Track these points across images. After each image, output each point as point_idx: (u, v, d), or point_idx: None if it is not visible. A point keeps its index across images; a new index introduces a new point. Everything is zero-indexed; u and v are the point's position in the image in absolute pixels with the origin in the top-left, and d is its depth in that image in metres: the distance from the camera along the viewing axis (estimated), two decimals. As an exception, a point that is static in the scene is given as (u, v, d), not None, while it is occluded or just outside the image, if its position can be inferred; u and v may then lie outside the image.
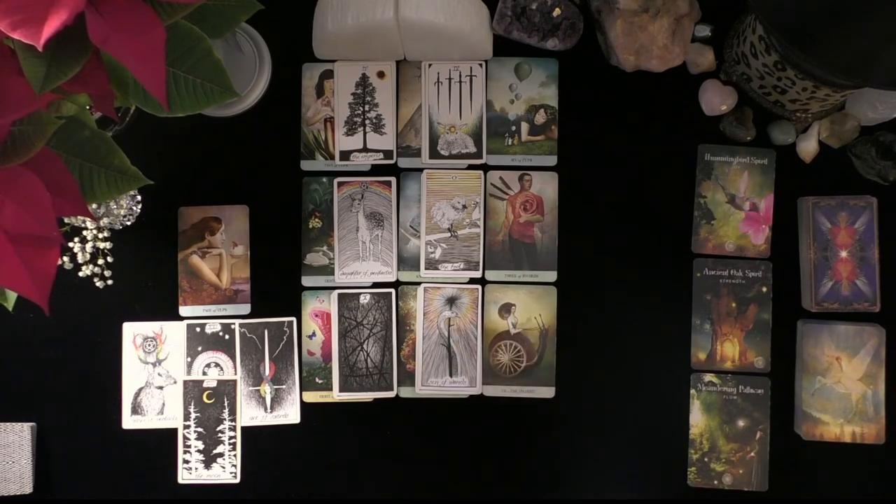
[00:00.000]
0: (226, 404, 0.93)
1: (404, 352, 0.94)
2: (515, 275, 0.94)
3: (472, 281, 0.94)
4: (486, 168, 0.95)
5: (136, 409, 0.93)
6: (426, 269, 0.94)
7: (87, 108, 0.72)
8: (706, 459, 0.92)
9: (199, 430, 0.93)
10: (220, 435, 0.93)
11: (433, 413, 0.94)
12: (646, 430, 0.93)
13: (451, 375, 0.93)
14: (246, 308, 0.94)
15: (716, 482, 0.91)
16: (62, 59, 0.57)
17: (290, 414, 0.94)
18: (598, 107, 0.95)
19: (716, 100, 0.93)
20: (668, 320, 0.93)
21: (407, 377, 0.94)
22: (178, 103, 0.68)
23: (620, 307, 0.94)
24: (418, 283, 0.94)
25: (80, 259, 0.91)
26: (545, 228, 0.94)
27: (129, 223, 0.92)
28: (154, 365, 0.94)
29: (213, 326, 0.94)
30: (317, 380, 0.94)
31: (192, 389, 0.93)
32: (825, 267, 0.91)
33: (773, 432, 0.92)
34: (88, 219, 0.89)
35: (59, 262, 0.91)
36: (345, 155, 0.95)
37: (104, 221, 0.90)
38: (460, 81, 0.95)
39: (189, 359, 0.93)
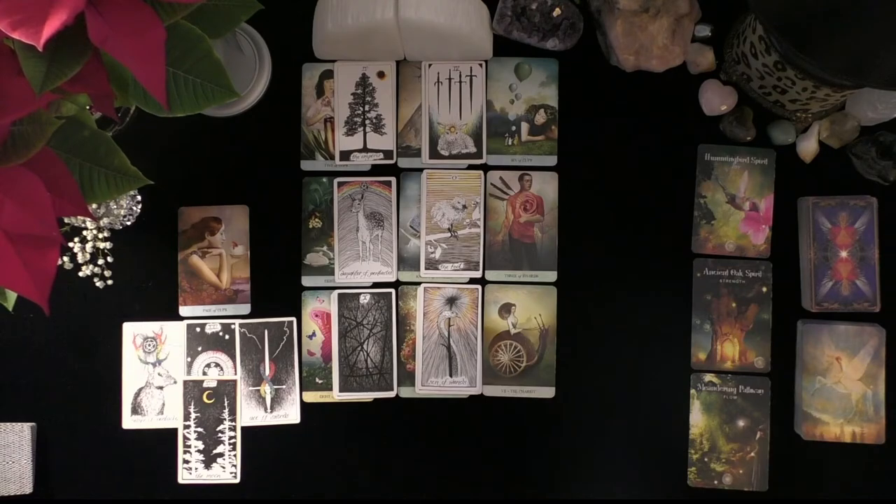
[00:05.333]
0: (226, 404, 0.93)
1: (404, 352, 0.94)
2: (515, 275, 0.94)
3: (472, 281, 0.94)
4: (486, 168, 0.95)
5: (136, 409, 0.93)
6: (426, 269, 0.94)
7: (87, 108, 0.72)
8: (706, 459, 0.92)
9: (199, 430, 0.93)
10: (220, 435, 0.93)
11: (433, 413, 0.94)
12: (646, 431, 0.93)
13: (451, 375, 0.93)
14: (246, 308, 0.94)
15: (716, 482, 0.91)
16: (62, 59, 0.57)
17: (290, 414, 0.94)
18: (598, 107, 0.95)
19: (716, 100, 0.93)
20: (668, 320, 0.93)
21: (407, 377, 0.94)
22: (178, 103, 0.68)
23: (620, 307, 0.94)
24: (418, 283, 0.94)
25: (80, 259, 0.91)
26: (545, 228, 0.94)
27: (129, 223, 0.92)
28: (154, 365, 0.94)
29: (213, 326, 0.94)
30: (317, 380, 0.94)
31: (192, 389, 0.93)
32: (825, 267, 0.91)
33: (773, 432, 0.92)
34: (88, 219, 0.89)
35: (59, 262, 0.91)
36: (345, 155, 0.95)
37: (104, 221, 0.90)
38: (460, 81, 0.95)
39: (189, 359, 0.93)
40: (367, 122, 0.95)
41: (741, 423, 0.92)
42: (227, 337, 0.94)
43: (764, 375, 0.92)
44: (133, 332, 0.94)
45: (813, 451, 0.92)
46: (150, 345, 0.94)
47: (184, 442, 0.93)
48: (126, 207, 0.90)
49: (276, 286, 0.94)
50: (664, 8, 0.90)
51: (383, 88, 0.95)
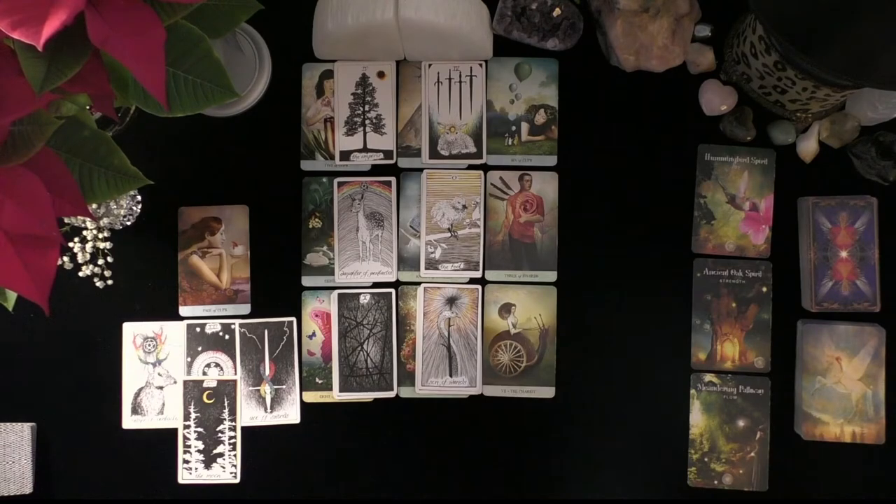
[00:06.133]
0: (226, 404, 0.93)
1: (404, 352, 0.94)
2: (515, 275, 0.94)
3: (472, 281, 0.94)
4: (486, 168, 0.95)
5: (136, 409, 0.93)
6: (426, 269, 0.94)
7: (87, 108, 0.72)
8: (706, 459, 0.92)
9: (199, 430, 0.93)
10: (220, 435, 0.93)
11: (433, 413, 0.94)
12: (646, 430, 0.93)
13: (451, 375, 0.93)
14: (246, 308, 0.94)
15: (716, 482, 0.91)
16: (62, 59, 0.57)
17: (290, 414, 0.94)
18: (598, 107, 0.95)
19: (716, 100, 0.93)
20: (668, 320, 0.93)
21: (407, 377, 0.94)
22: (178, 103, 0.68)
23: (620, 307, 0.94)
24: (418, 283, 0.94)
25: (80, 259, 0.91)
26: (545, 228, 0.94)
27: (129, 223, 0.92)
28: (154, 365, 0.94)
29: (213, 326, 0.94)
30: (317, 380, 0.94)
31: (192, 389, 0.93)
32: (825, 267, 0.91)
33: (773, 432, 0.92)
34: (88, 219, 0.89)
35: (59, 262, 0.91)
36: (345, 155, 0.95)
37: (104, 221, 0.90)
38: (460, 81, 0.95)
39: (189, 359, 0.93)
40: (367, 122, 0.95)
41: (741, 423, 0.92)
42: (227, 337, 0.94)
43: (764, 375, 0.92)
44: (133, 332, 0.94)
45: (813, 451, 0.92)
46: (150, 345, 0.94)
47: (184, 442, 0.93)
48: (126, 207, 0.90)
49: (276, 286, 0.94)
50: (664, 8, 0.90)
51: (383, 88, 0.95)
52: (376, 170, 0.95)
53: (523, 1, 0.92)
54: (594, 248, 0.94)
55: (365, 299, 0.94)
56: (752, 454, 0.91)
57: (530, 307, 0.93)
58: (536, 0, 0.92)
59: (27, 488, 0.91)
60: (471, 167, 0.95)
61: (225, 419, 0.93)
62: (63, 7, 0.53)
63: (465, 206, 0.94)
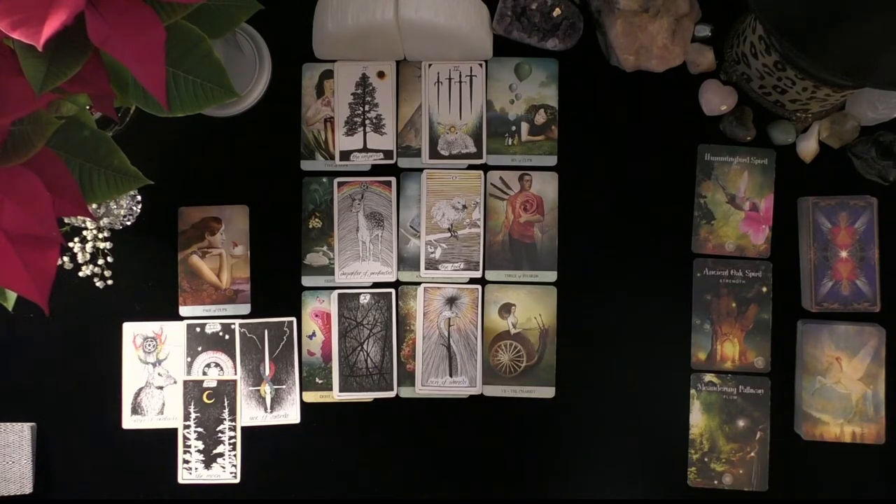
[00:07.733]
0: (226, 404, 0.93)
1: (404, 352, 0.94)
2: (515, 275, 0.94)
3: (472, 281, 0.94)
4: (486, 168, 0.95)
5: (136, 409, 0.93)
6: (426, 269, 0.94)
7: (87, 108, 0.72)
8: (706, 459, 0.92)
9: (199, 430, 0.93)
10: (220, 435, 0.93)
11: (433, 413, 0.94)
12: (646, 430, 0.93)
13: (451, 375, 0.93)
14: (246, 308, 0.94)
15: (716, 482, 0.91)
16: (62, 59, 0.57)
17: (290, 414, 0.94)
18: (598, 107, 0.95)
19: (716, 100, 0.93)
20: (668, 320, 0.93)
21: (407, 377, 0.94)
22: (178, 103, 0.68)
23: (620, 307, 0.94)
24: (418, 283, 0.94)
25: (80, 259, 0.91)
26: (545, 228, 0.94)
27: (129, 223, 0.92)
28: (154, 365, 0.94)
29: (213, 326, 0.94)
30: (317, 380, 0.94)
31: (192, 389, 0.93)
32: (825, 267, 0.91)
33: (773, 432, 0.92)
34: (88, 219, 0.89)
35: (59, 262, 0.91)
36: (345, 155, 0.95)
37: (104, 221, 0.90)
38: (460, 81, 0.95)
39: (189, 359, 0.93)
40: (367, 122, 0.95)
41: (741, 423, 0.92)
42: (227, 337, 0.94)
43: (764, 375, 0.92)
44: (133, 332, 0.94)
45: (813, 451, 0.92)
46: (150, 345, 0.94)
47: (184, 442, 0.93)
48: (126, 207, 0.90)
49: (276, 286, 0.94)
50: (664, 8, 0.90)
51: (383, 88, 0.95)
52: (376, 170, 0.95)
53: (523, 1, 0.92)
54: (594, 248, 0.94)
55: (365, 299, 0.94)
56: (752, 454, 0.91)
57: (530, 307, 0.93)
58: (536, 0, 0.92)
59: (27, 488, 0.91)
60: (471, 167, 0.95)
61: (225, 419, 0.93)
62: (63, 7, 0.53)
63: (465, 206, 0.94)
